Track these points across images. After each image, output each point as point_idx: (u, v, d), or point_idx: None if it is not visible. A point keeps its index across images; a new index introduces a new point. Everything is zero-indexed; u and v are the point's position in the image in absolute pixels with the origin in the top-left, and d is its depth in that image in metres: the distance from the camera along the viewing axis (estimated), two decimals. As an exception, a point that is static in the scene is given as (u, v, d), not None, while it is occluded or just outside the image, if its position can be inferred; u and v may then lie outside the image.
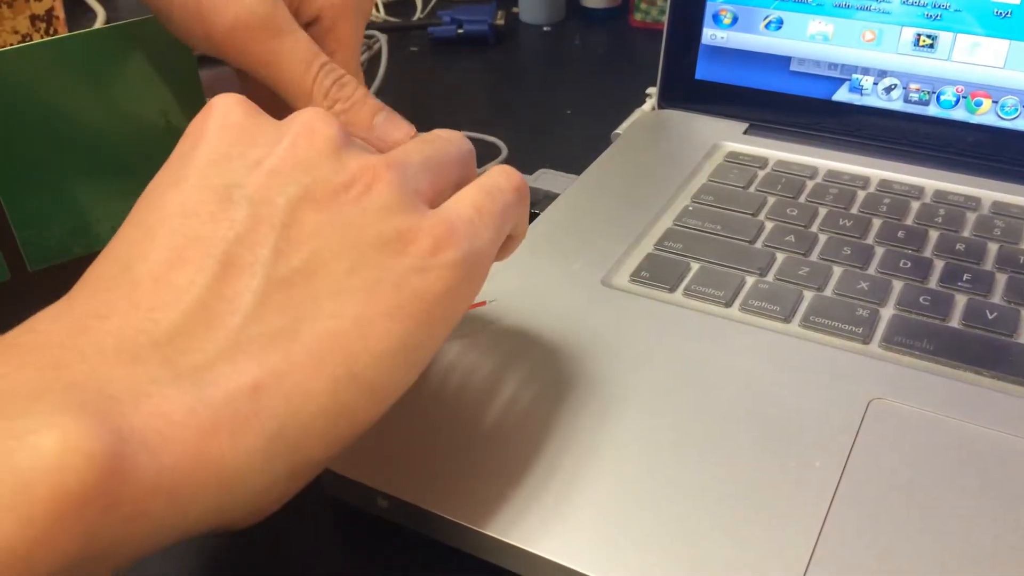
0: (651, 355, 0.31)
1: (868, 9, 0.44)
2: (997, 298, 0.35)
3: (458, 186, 0.26)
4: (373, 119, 0.31)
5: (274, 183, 0.23)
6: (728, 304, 0.34)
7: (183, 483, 0.19)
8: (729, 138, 0.46)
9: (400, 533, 0.28)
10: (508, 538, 0.25)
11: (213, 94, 0.25)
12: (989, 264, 0.36)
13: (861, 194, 0.41)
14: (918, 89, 0.44)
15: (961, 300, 0.34)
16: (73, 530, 0.17)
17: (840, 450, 0.27)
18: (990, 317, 0.33)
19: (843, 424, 0.28)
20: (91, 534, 0.17)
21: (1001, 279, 0.35)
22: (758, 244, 0.38)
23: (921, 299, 0.34)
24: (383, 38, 0.67)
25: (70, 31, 0.40)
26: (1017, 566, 0.24)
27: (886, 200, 0.41)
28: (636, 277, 0.36)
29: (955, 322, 0.33)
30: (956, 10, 0.42)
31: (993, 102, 0.42)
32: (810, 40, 0.45)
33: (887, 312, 0.34)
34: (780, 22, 0.46)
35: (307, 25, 0.33)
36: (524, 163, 0.50)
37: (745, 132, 0.47)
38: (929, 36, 0.43)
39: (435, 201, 0.25)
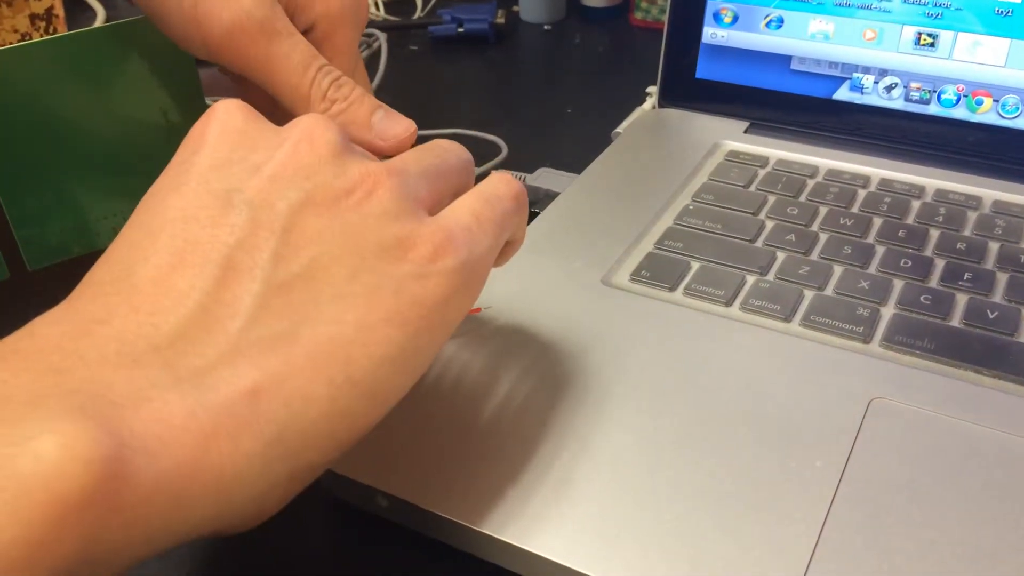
0: (651, 354, 0.31)
1: (869, 8, 0.44)
2: (998, 297, 0.34)
3: (457, 194, 0.26)
4: (372, 116, 0.31)
5: (275, 188, 0.23)
6: (728, 303, 0.34)
7: (183, 487, 0.19)
8: (729, 137, 0.46)
9: (400, 532, 0.28)
10: (508, 537, 0.25)
11: (213, 93, 0.25)
12: (990, 263, 0.36)
13: (862, 193, 0.41)
14: (919, 88, 0.44)
15: (962, 299, 0.34)
16: (73, 534, 0.17)
17: (841, 449, 0.27)
18: (991, 316, 0.33)
19: (844, 423, 0.28)
20: (91, 538, 0.17)
21: (1002, 278, 0.35)
22: (758, 243, 0.38)
23: (922, 298, 0.34)
24: (383, 37, 0.67)
25: (70, 30, 0.40)
26: (1018, 566, 0.24)
27: (887, 199, 0.41)
28: (636, 276, 0.36)
29: (956, 321, 0.33)
30: (957, 9, 0.42)
31: (994, 101, 0.42)
32: (811, 39, 0.45)
33: (888, 311, 0.34)
34: (781, 21, 0.46)
35: (303, 33, 0.33)
36: (524, 162, 0.50)
37: (746, 131, 0.47)
38: (930, 35, 0.43)
39: (434, 209, 0.25)
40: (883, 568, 0.24)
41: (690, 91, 0.48)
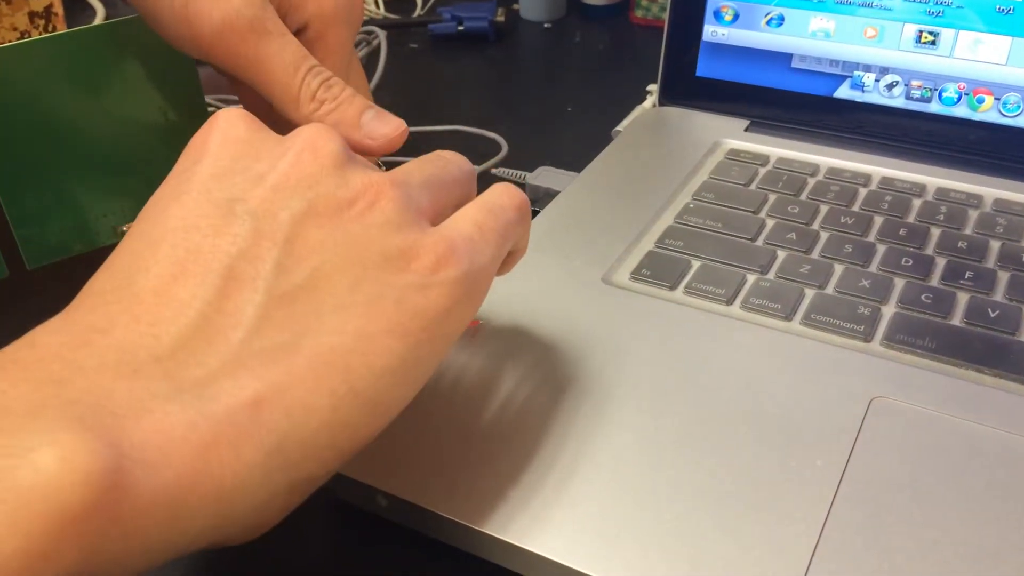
0: (651, 353, 0.31)
1: (870, 6, 0.43)
2: (999, 296, 0.34)
3: (459, 205, 0.26)
4: (361, 116, 0.31)
5: (277, 198, 0.22)
6: (729, 302, 0.34)
7: (183, 498, 0.19)
8: (730, 135, 0.46)
9: (400, 532, 0.28)
10: (508, 537, 0.25)
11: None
12: (991, 262, 0.36)
13: (863, 191, 0.41)
14: (920, 86, 0.44)
15: (963, 298, 0.34)
16: (73, 546, 0.17)
17: (841, 449, 0.27)
18: (992, 315, 0.33)
19: (844, 423, 0.28)
20: (90, 549, 0.17)
21: (1003, 277, 0.35)
22: (759, 242, 0.38)
23: (923, 297, 0.34)
24: (383, 34, 0.67)
25: (69, 28, 0.40)
26: (1019, 565, 0.24)
27: (887, 198, 0.41)
28: (637, 275, 0.36)
29: (957, 320, 0.33)
30: (958, 7, 0.42)
31: (995, 99, 0.42)
32: (811, 37, 0.45)
33: (888, 310, 0.34)
34: (781, 19, 0.46)
35: (295, 33, 0.33)
36: (524, 160, 0.50)
37: (746, 129, 0.47)
38: (931, 33, 0.43)
39: (436, 220, 0.25)
40: (884, 568, 0.24)
41: (690, 89, 0.48)
